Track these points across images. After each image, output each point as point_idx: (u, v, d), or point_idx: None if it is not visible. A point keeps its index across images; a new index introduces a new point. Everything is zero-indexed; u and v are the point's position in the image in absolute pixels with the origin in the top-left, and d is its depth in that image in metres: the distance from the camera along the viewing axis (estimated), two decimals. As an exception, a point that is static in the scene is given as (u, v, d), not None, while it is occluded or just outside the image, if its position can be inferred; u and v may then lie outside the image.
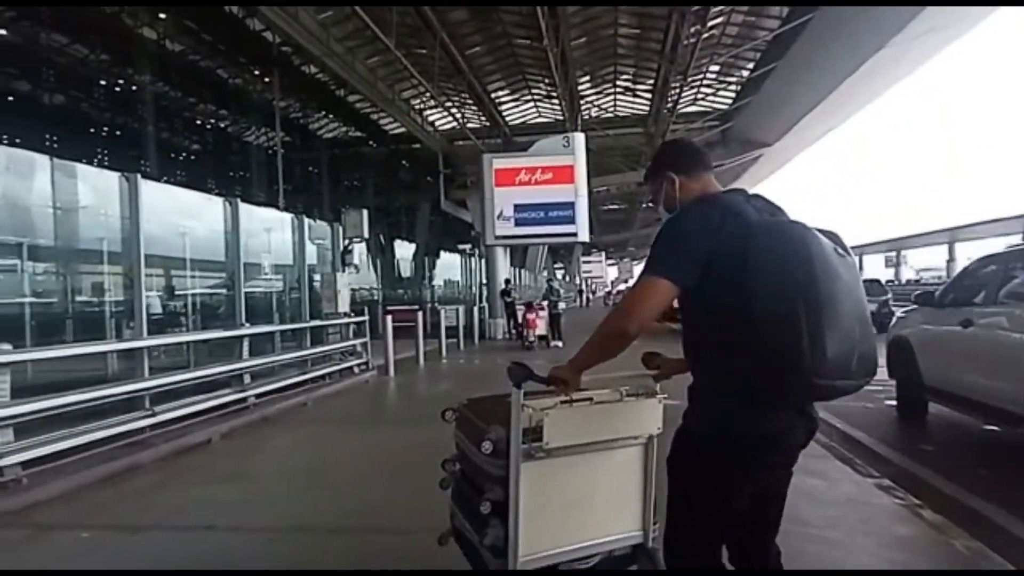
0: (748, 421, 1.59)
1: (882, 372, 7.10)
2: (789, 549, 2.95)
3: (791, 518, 3.30)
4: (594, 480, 2.02)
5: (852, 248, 1.69)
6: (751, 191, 1.84)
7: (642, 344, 1.92)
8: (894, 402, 6.37)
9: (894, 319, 7.35)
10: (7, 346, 4.28)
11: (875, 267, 48.08)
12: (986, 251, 5.88)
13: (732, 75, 20.91)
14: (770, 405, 1.58)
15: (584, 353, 1.78)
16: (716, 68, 19.90)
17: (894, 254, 50.26)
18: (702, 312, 1.66)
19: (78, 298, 8.84)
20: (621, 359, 1.80)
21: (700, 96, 22.45)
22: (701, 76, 20.10)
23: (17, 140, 16.05)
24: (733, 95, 21.97)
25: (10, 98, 17.55)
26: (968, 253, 36.67)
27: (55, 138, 17.49)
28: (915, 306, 6.27)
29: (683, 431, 1.73)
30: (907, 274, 49.47)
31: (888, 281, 27.92)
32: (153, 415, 5.33)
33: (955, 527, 3.23)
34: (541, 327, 14.07)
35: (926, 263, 52.18)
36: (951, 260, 41.80)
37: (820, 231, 1.62)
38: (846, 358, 1.52)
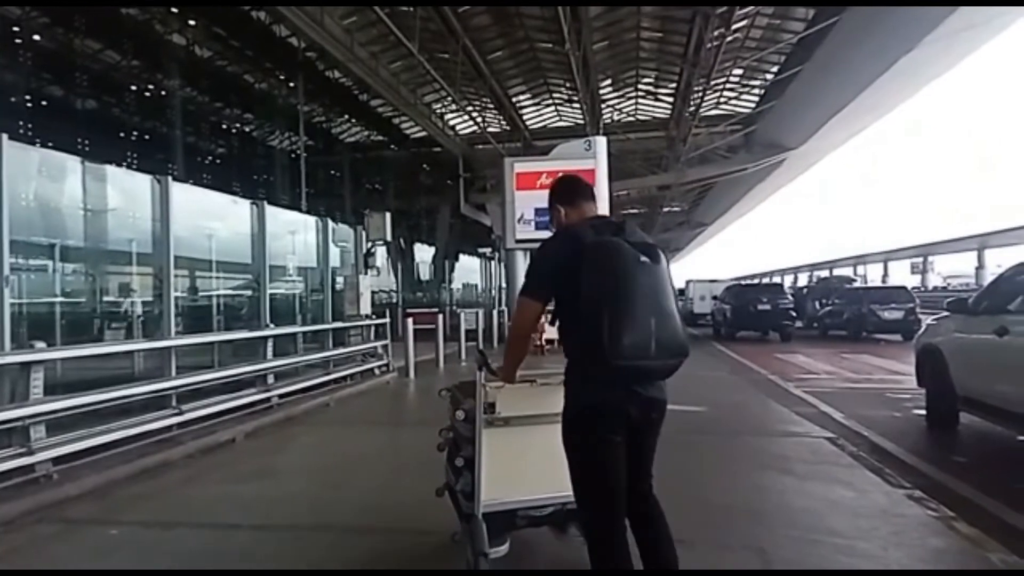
0: (586, 396, 2.08)
1: (908, 380, 6.98)
2: (820, 560, 2.92)
3: (822, 528, 3.28)
4: (546, 446, 2.37)
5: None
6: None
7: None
8: (923, 411, 6.24)
9: (922, 327, 7.17)
10: (41, 344, 4.38)
11: (900, 274, 47.03)
12: (1019, 258, 5.69)
13: (756, 78, 20.66)
14: (596, 383, 2.04)
15: (506, 361, 2.41)
16: (740, 71, 19.67)
17: (920, 260, 49.09)
18: (560, 314, 2.17)
19: (106, 298, 9.01)
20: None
21: (723, 99, 22.22)
22: (724, 79, 19.87)
23: (50, 143, 16.48)
24: (757, 98, 21.69)
25: (44, 102, 18.01)
26: (998, 260, 35.88)
27: (86, 141, 17.87)
28: (946, 313, 6.12)
29: (564, 407, 2.18)
30: (934, 281, 48.24)
31: (914, 288, 27.32)
32: (180, 413, 5.40)
33: (991, 540, 3.14)
34: (549, 331, 13.41)
35: (953, 270, 50.99)
36: (980, 267, 40.81)
37: (634, 244, 2.05)
38: (643, 344, 1.96)
